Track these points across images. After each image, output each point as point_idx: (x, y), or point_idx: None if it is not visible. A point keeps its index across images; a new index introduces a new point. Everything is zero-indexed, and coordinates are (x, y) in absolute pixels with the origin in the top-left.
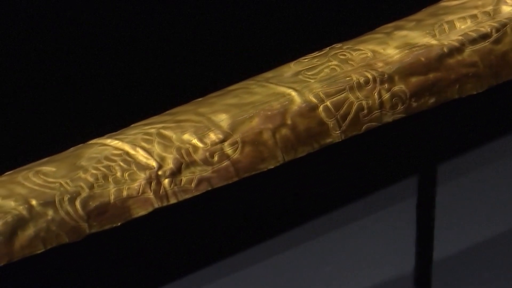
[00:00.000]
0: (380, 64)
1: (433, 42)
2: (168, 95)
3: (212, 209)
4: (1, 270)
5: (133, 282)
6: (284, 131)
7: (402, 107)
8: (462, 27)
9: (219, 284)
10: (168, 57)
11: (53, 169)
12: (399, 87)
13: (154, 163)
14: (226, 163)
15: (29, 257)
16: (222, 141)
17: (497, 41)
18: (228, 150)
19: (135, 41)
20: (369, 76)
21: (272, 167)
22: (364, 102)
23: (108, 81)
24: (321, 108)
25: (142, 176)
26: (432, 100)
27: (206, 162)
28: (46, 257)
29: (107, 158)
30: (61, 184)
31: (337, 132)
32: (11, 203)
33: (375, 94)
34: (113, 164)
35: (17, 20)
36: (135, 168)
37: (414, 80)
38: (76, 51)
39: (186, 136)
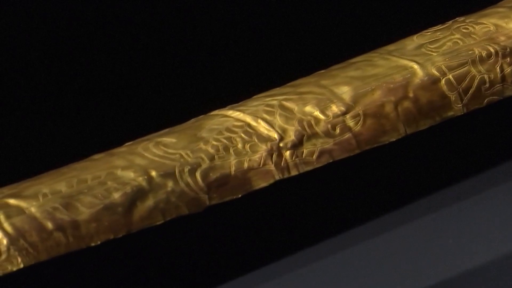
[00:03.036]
0: (502, 38)
1: None
2: (290, 67)
3: (333, 179)
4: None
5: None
6: (406, 104)
7: None
8: None
9: (352, 252)
10: (290, 28)
11: (174, 140)
12: None
13: (275, 135)
14: (348, 135)
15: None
16: (344, 113)
17: None
18: (350, 122)
19: (263, 15)
20: (491, 50)
21: (394, 140)
22: (486, 76)
23: (230, 53)
24: (443, 81)
25: (263, 148)
26: None
27: (328, 134)
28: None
29: (228, 129)
30: (181, 155)
31: (459, 105)
32: (130, 174)
33: (497, 68)
34: (234, 135)
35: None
36: (256, 140)
37: None
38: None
39: (308, 108)
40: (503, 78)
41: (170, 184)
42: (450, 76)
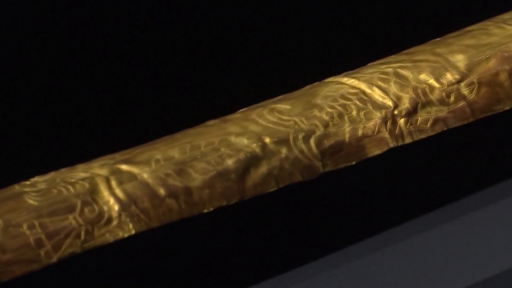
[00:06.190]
0: None
1: None
2: (405, 36)
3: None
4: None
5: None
6: None
7: None
8: None
9: (414, 242)
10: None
11: (288, 107)
12: None
13: (390, 103)
14: (462, 103)
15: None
16: (459, 81)
17: None
18: (465, 90)
19: None
20: None
21: (508, 108)
22: None
23: (346, 21)
24: None
25: (378, 115)
26: None
27: (442, 102)
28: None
29: (343, 96)
30: (295, 122)
31: None
32: (244, 141)
33: None
34: (349, 102)
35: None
36: (371, 107)
37: None
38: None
39: (423, 76)
40: None
41: (284, 151)
42: None
